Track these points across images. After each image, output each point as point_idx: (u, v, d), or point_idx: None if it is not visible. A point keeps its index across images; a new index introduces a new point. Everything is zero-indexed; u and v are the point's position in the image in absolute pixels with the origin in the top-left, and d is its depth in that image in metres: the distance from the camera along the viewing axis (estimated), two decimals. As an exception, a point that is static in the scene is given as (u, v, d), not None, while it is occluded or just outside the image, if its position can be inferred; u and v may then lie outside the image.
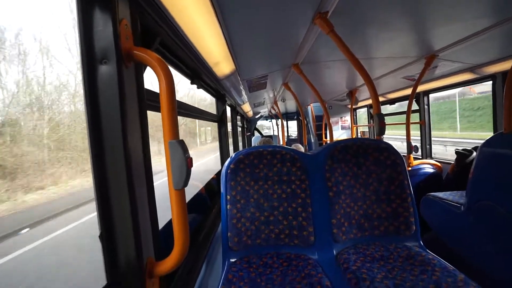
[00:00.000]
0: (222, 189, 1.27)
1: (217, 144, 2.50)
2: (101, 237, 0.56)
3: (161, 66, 0.58)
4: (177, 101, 0.88)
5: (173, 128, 0.58)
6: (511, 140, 1.28)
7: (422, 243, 1.24)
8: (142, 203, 0.64)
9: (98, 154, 0.56)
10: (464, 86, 2.62)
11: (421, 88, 2.88)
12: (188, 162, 0.58)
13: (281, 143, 5.43)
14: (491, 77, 2.18)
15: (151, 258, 0.65)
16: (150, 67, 0.60)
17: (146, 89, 0.74)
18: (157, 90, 0.62)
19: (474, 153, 2.14)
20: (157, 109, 0.79)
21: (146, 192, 0.67)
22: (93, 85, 0.55)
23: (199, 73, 1.46)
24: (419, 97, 3.06)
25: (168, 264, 0.62)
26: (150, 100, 0.80)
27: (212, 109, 2.33)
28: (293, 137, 8.47)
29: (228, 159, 1.31)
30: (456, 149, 2.33)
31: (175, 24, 0.89)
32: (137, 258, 0.58)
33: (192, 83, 1.49)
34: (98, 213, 0.56)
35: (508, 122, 1.34)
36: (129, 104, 0.60)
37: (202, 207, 1.82)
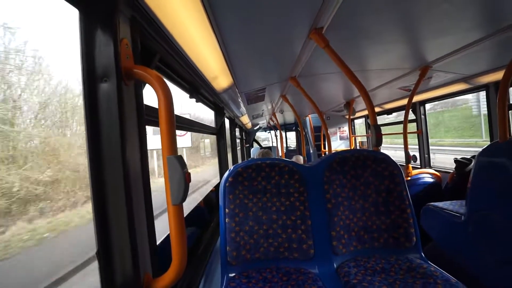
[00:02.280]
0: (221, 203, 1.26)
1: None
2: (98, 254, 0.56)
3: (160, 83, 0.59)
4: (176, 115, 0.89)
5: (172, 144, 0.59)
6: (507, 149, 1.29)
7: (423, 255, 1.22)
8: (140, 220, 0.64)
9: (97, 170, 0.57)
10: (459, 95, 2.66)
11: (417, 98, 2.92)
12: (186, 177, 0.59)
13: (280, 154, 5.43)
14: (485, 87, 2.22)
15: (148, 274, 0.64)
16: (150, 84, 0.61)
17: (146, 104, 0.75)
18: (156, 104, 0.63)
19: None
20: (156, 124, 0.81)
21: (144, 208, 0.67)
22: (94, 102, 0.57)
23: (198, 87, 1.49)
24: (416, 107, 3.10)
25: (165, 280, 0.61)
26: (149, 116, 0.81)
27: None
28: (292, 148, 8.48)
29: (227, 172, 1.31)
30: (455, 158, 2.34)
31: (174, 42, 0.91)
32: (134, 275, 0.58)
33: (190, 97, 1.51)
34: (95, 230, 0.56)
35: (503, 131, 1.36)
36: (129, 120, 0.61)
37: (200, 220, 1.80)
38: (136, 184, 0.63)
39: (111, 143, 0.57)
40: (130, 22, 0.64)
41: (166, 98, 0.59)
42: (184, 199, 0.59)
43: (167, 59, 0.96)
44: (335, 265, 1.20)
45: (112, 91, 0.57)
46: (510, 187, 1.27)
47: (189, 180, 0.60)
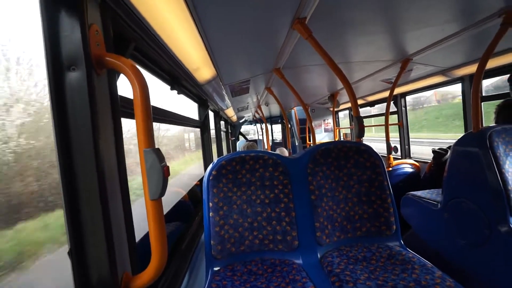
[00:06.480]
0: (204, 196, 1.25)
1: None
2: (70, 253, 0.53)
3: (134, 72, 0.56)
4: (154, 107, 0.85)
5: (148, 136, 0.56)
6: (479, 138, 1.35)
7: (402, 242, 1.27)
8: (117, 216, 0.61)
9: (67, 164, 0.53)
10: (437, 88, 2.76)
11: (398, 90, 2.99)
12: (165, 171, 0.56)
13: (266, 147, 5.44)
14: (460, 79, 2.31)
15: (127, 273, 0.62)
16: (123, 73, 0.57)
17: (121, 96, 0.71)
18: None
19: None
20: (132, 116, 0.77)
21: (122, 204, 0.64)
22: (61, 93, 0.53)
23: (179, 78, 1.44)
24: (397, 99, 3.18)
25: (144, 278, 0.59)
26: (125, 107, 0.77)
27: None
28: (277, 141, 8.53)
29: (210, 165, 1.29)
30: (433, 148, 2.44)
31: (151, 30, 0.87)
32: (111, 274, 0.55)
33: (172, 89, 1.46)
34: (67, 229, 0.53)
35: (476, 122, 1.42)
36: (101, 112, 0.58)
37: (185, 215, 1.78)
38: (112, 179, 0.60)
39: (83, 133, 0.53)
40: (100, 7, 0.60)
41: (142, 88, 0.56)
42: (162, 193, 0.57)
43: (144, 48, 0.92)
44: (318, 255, 1.22)
45: (82, 80, 0.53)
46: (481, 174, 1.33)
47: (168, 174, 0.57)
